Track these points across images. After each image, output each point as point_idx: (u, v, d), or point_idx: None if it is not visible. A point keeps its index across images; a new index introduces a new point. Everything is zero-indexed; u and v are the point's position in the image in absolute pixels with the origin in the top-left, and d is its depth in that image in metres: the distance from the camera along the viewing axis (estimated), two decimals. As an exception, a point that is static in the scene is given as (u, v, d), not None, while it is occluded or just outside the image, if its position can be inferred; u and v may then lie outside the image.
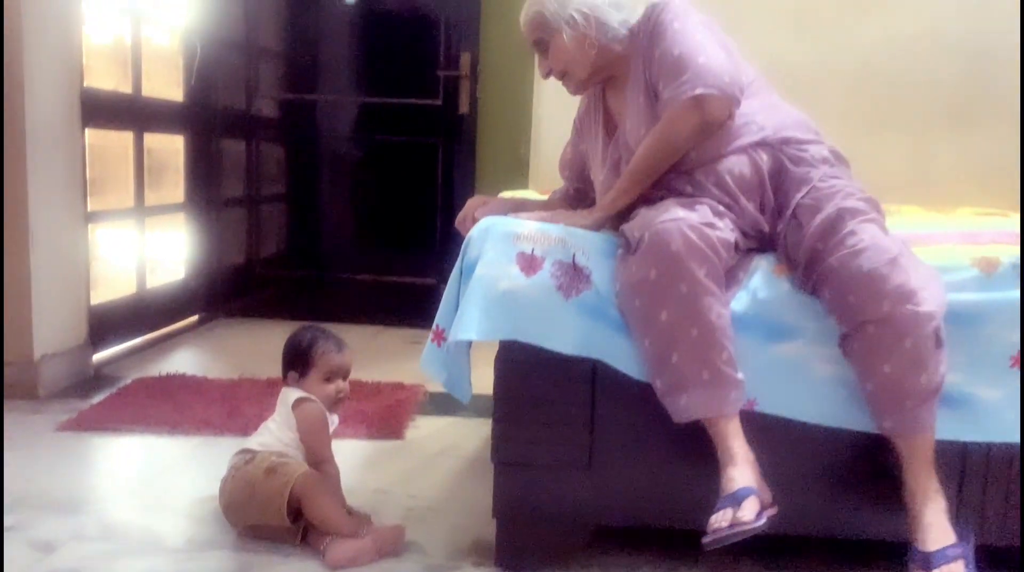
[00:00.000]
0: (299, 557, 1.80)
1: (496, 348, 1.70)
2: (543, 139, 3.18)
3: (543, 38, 1.85)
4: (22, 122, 2.68)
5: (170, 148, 3.87)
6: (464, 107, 3.96)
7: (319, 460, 1.91)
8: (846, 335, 1.61)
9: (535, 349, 1.64)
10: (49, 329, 2.85)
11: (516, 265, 1.65)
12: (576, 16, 1.79)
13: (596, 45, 1.82)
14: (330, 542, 1.78)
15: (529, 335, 1.64)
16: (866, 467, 1.68)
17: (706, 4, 1.83)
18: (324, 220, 4.37)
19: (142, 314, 3.58)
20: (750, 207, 1.75)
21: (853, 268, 1.57)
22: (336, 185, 4.31)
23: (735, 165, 1.75)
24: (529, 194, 2.47)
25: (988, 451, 1.68)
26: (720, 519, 1.52)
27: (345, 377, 1.99)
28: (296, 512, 1.81)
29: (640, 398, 1.65)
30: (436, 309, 1.74)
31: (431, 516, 2.03)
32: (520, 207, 1.97)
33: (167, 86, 3.81)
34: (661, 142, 1.73)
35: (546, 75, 1.91)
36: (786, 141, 1.78)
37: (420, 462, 2.38)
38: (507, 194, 2.37)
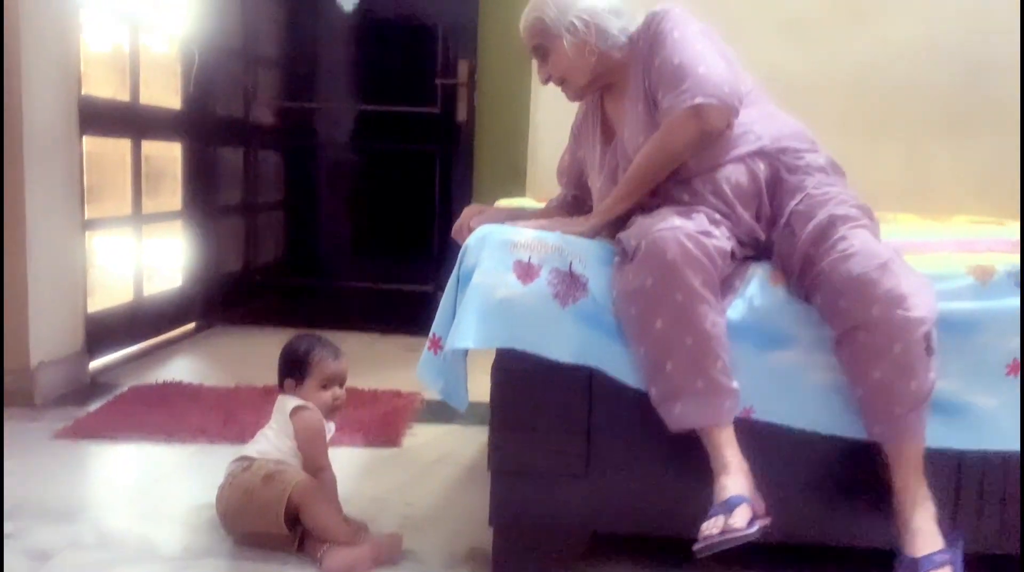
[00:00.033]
0: (296, 565, 1.79)
1: (493, 356, 1.70)
2: (540, 146, 3.17)
3: (543, 44, 1.85)
4: (20, 129, 2.68)
5: (168, 156, 3.87)
6: (462, 115, 3.97)
7: (316, 468, 1.91)
8: (838, 340, 1.61)
9: (532, 357, 1.64)
10: (46, 336, 2.85)
11: (513, 273, 1.65)
12: (576, 23, 1.80)
13: (596, 52, 1.83)
14: (327, 550, 1.77)
15: (526, 343, 1.64)
16: (861, 475, 1.68)
17: (704, 13, 1.84)
18: (321, 228, 4.37)
19: (139, 322, 3.58)
20: (746, 216, 1.75)
21: (843, 272, 1.58)
22: (334, 193, 4.31)
23: (732, 174, 1.75)
24: (526, 202, 2.47)
25: (984, 459, 1.67)
26: (711, 526, 1.52)
27: (342, 384, 1.99)
28: (293, 520, 1.81)
29: (636, 406, 1.65)
30: (433, 317, 1.74)
31: (428, 524, 2.02)
32: (516, 216, 1.97)
33: (165, 94, 3.81)
34: (660, 150, 1.73)
35: (545, 81, 1.92)
36: (783, 150, 1.79)
37: (417, 470, 2.37)
38: (504, 203, 2.38)
